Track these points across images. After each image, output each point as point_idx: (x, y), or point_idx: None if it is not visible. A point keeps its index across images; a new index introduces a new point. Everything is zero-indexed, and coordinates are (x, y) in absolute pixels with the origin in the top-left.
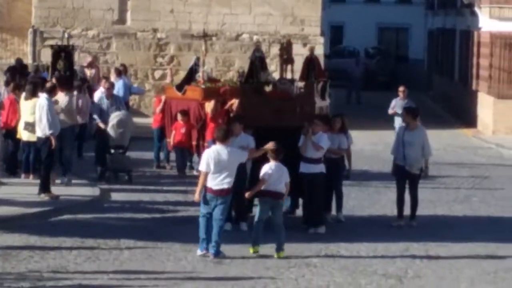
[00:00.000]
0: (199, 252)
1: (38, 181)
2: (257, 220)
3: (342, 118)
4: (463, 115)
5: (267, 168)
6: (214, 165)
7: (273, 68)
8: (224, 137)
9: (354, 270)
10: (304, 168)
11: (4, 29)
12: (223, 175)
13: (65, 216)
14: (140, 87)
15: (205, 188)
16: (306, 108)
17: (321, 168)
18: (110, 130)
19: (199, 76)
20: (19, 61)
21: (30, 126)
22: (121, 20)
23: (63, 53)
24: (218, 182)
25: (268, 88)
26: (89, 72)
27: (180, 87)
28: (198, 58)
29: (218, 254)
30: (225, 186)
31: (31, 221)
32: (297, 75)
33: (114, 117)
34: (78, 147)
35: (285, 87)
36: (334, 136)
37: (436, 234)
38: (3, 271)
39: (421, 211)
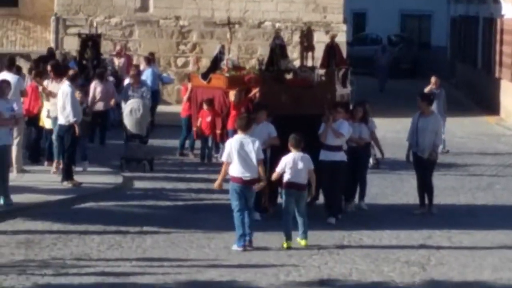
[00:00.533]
0: (235, 247)
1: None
2: (285, 213)
3: (364, 106)
4: (486, 102)
5: (289, 158)
6: (237, 155)
7: (295, 56)
8: (246, 126)
9: (377, 257)
10: (324, 155)
11: (26, 17)
12: (248, 164)
13: (88, 204)
14: (169, 75)
15: (233, 179)
16: (327, 96)
17: (341, 156)
18: (125, 119)
19: (224, 64)
20: (50, 50)
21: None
22: (144, 7)
23: (90, 41)
24: (245, 171)
25: (288, 76)
26: (117, 61)
27: (205, 76)
28: (223, 46)
29: (251, 243)
30: (254, 175)
31: (54, 209)
32: (318, 63)
33: (127, 106)
34: (100, 135)
35: (306, 74)
36: (355, 125)
37: (459, 222)
38: (26, 258)
39: (444, 198)
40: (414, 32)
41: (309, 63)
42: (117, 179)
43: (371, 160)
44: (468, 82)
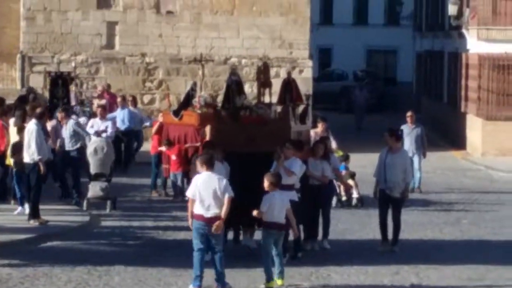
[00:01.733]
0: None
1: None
2: (264, 254)
3: (325, 143)
4: (452, 137)
5: (269, 198)
6: (201, 192)
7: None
8: (211, 163)
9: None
10: None
11: None
12: (212, 201)
13: (55, 242)
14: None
15: (195, 217)
16: (281, 133)
17: (293, 195)
18: (88, 157)
19: (196, 101)
20: (30, 89)
21: None
22: (110, 45)
23: (60, 80)
24: (208, 209)
25: (244, 113)
26: (96, 102)
27: (177, 112)
28: (195, 83)
29: (224, 284)
30: (216, 213)
31: (20, 247)
32: (275, 99)
33: (91, 144)
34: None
35: (261, 111)
36: (317, 162)
37: (426, 257)
38: None
39: (411, 234)
40: (380, 67)
41: (267, 99)
42: (84, 218)
43: (355, 196)
44: (434, 117)
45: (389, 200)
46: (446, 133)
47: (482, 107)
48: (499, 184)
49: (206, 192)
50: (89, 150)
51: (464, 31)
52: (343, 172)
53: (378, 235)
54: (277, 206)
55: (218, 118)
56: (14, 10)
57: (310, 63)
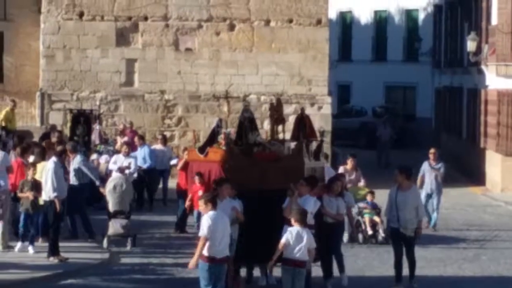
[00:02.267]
0: None
1: (46, 244)
2: None
3: (341, 181)
4: (471, 173)
5: (288, 233)
6: (213, 231)
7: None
8: (215, 202)
9: None
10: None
11: (12, 92)
12: (223, 241)
13: (75, 280)
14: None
15: (202, 258)
16: (294, 169)
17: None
18: (108, 195)
19: (221, 137)
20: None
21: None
22: (129, 82)
23: (81, 117)
24: (220, 249)
25: (257, 149)
26: (120, 141)
27: (202, 149)
28: (220, 120)
29: None
30: (228, 254)
31: (40, 285)
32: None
33: (110, 182)
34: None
35: (275, 148)
36: (332, 200)
37: None
38: None
39: (430, 270)
40: (398, 103)
41: (281, 136)
42: (104, 255)
43: (381, 234)
44: (453, 152)
45: (404, 238)
46: (466, 169)
47: (501, 143)
48: None
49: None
50: (108, 187)
51: (483, 67)
52: (368, 208)
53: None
54: (293, 242)
55: (231, 154)
56: (34, 48)
57: (329, 99)
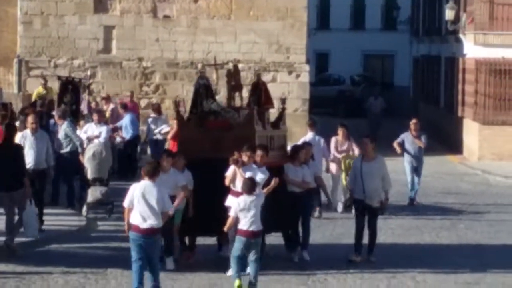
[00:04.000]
0: None
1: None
2: (233, 256)
3: (306, 149)
4: (449, 141)
5: (236, 204)
6: (138, 202)
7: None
8: (153, 173)
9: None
10: (230, 202)
11: None
12: (149, 213)
13: (52, 246)
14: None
15: (132, 227)
16: (245, 138)
17: None
18: (87, 163)
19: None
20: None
21: None
22: (106, 49)
23: (70, 85)
24: (144, 220)
25: (212, 118)
26: (105, 107)
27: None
28: (201, 75)
29: None
30: (154, 224)
31: (17, 251)
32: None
33: (89, 149)
34: None
35: (229, 115)
36: (297, 169)
37: (423, 261)
38: None
39: (407, 238)
40: (377, 72)
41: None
42: (81, 222)
43: (340, 205)
44: (431, 121)
45: (368, 209)
46: (443, 137)
47: (479, 111)
48: (495, 188)
49: (141, 202)
50: (87, 155)
51: (461, 36)
52: None
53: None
54: (244, 212)
55: (182, 124)
56: (11, 14)
57: (307, 67)
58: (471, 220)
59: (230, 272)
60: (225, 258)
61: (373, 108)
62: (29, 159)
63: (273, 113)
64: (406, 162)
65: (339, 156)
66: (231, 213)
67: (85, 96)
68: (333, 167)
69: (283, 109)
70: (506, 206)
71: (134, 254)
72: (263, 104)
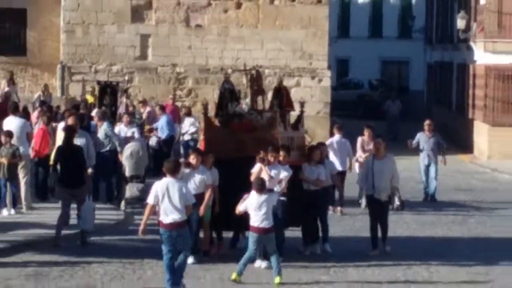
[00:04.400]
0: None
1: None
2: (247, 255)
3: (321, 149)
4: (460, 142)
5: (247, 201)
6: (162, 199)
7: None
8: (174, 170)
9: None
10: None
11: (34, 65)
12: (173, 208)
13: (93, 238)
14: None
15: (159, 223)
16: (268, 139)
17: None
18: (125, 161)
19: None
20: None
21: None
22: (143, 55)
23: (108, 88)
24: (168, 216)
25: (236, 120)
26: (142, 109)
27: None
28: (226, 80)
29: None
30: (178, 219)
31: (61, 243)
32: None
33: (127, 149)
34: None
35: (252, 117)
36: (312, 167)
37: (437, 253)
38: None
39: (422, 231)
40: (393, 77)
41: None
42: (119, 216)
43: (397, 201)
44: (444, 123)
45: (378, 203)
46: (455, 138)
47: (488, 114)
48: (504, 185)
49: (165, 199)
50: (125, 154)
51: (471, 43)
52: None
53: (394, 233)
54: (254, 210)
55: (208, 126)
56: (55, 24)
57: (328, 73)
58: (481, 215)
59: (258, 263)
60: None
61: (391, 110)
62: None
63: (293, 116)
64: (421, 160)
65: (364, 155)
66: (240, 207)
67: (123, 100)
68: (358, 166)
69: (302, 112)
70: None
71: (164, 248)
72: (285, 107)
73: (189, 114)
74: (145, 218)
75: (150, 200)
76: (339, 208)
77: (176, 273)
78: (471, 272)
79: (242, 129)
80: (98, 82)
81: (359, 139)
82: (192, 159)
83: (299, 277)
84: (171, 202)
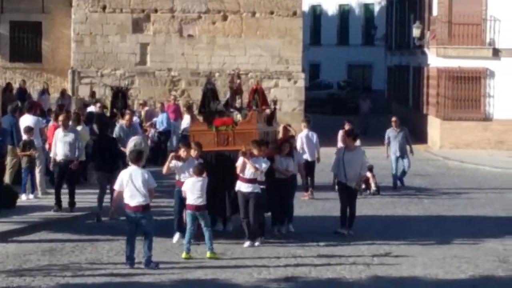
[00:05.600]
0: (126, 264)
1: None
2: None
3: (290, 142)
4: (416, 134)
5: (187, 182)
6: (126, 185)
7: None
8: (137, 159)
9: (330, 260)
10: (239, 186)
11: (48, 70)
12: (136, 193)
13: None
14: None
15: (125, 206)
16: (248, 133)
17: (255, 188)
18: (129, 152)
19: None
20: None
21: None
22: (142, 61)
23: (120, 93)
24: (132, 199)
25: (217, 116)
26: (142, 111)
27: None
28: (209, 80)
29: (148, 264)
30: (141, 202)
31: (72, 223)
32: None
33: (130, 141)
34: None
35: (232, 115)
36: (282, 159)
37: (396, 229)
38: (50, 263)
39: (384, 211)
40: (358, 78)
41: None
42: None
43: (372, 187)
44: (402, 118)
45: (349, 190)
46: (412, 130)
47: (440, 109)
48: (453, 171)
49: (129, 185)
50: (130, 145)
51: (425, 49)
52: None
53: (362, 212)
54: (189, 190)
55: (193, 121)
56: (66, 35)
57: (302, 75)
58: (434, 196)
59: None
60: (230, 232)
61: (362, 108)
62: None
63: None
64: (392, 153)
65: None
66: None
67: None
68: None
69: (275, 109)
70: (462, 184)
71: (128, 229)
72: (261, 106)
73: (189, 111)
74: (114, 202)
75: (116, 186)
76: (308, 193)
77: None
78: (426, 245)
79: (224, 123)
80: (111, 88)
81: (340, 132)
82: (182, 152)
83: (278, 251)
84: (135, 188)
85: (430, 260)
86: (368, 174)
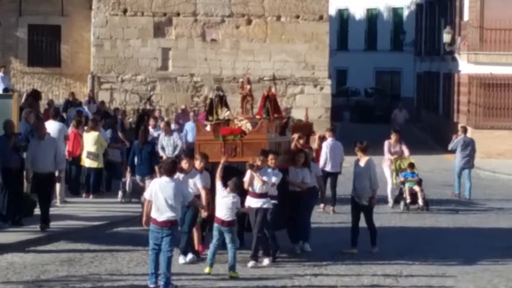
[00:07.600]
0: (149, 284)
1: (97, 200)
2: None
3: (305, 153)
4: (446, 143)
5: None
6: (156, 197)
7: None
8: (171, 171)
9: (358, 271)
10: (248, 202)
11: (68, 75)
12: (166, 207)
13: (120, 229)
14: None
15: (151, 220)
16: (257, 143)
17: (264, 202)
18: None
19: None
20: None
21: (92, 155)
22: (164, 66)
23: (145, 116)
24: (160, 214)
25: (225, 125)
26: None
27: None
28: (217, 88)
29: (167, 286)
30: (169, 217)
31: (91, 233)
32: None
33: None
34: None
35: (242, 123)
36: (297, 170)
37: (427, 241)
38: (69, 274)
39: (412, 222)
40: (386, 85)
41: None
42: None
43: (420, 202)
44: (431, 126)
45: (359, 207)
46: (442, 139)
47: (471, 118)
48: (484, 181)
49: (159, 197)
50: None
51: (456, 55)
52: (410, 178)
53: (382, 224)
54: (220, 205)
55: (199, 131)
56: (86, 39)
57: (329, 82)
58: (465, 207)
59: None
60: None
61: (397, 118)
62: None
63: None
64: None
65: (391, 157)
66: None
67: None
68: (386, 167)
69: (288, 118)
70: (494, 195)
71: (151, 243)
72: (273, 114)
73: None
74: (145, 213)
75: (146, 195)
76: (331, 208)
77: (158, 268)
78: (456, 258)
79: (232, 132)
80: (137, 110)
81: (386, 142)
82: (184, 163)
83: (296, 271)
84: (165, 201)
85: (460, 274)
86: (416, 189)
